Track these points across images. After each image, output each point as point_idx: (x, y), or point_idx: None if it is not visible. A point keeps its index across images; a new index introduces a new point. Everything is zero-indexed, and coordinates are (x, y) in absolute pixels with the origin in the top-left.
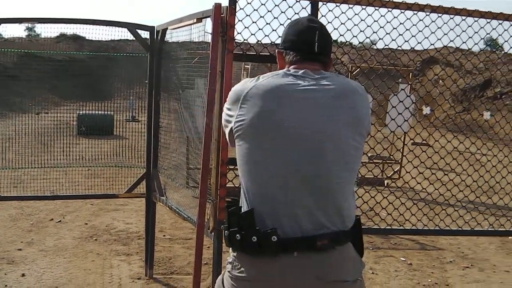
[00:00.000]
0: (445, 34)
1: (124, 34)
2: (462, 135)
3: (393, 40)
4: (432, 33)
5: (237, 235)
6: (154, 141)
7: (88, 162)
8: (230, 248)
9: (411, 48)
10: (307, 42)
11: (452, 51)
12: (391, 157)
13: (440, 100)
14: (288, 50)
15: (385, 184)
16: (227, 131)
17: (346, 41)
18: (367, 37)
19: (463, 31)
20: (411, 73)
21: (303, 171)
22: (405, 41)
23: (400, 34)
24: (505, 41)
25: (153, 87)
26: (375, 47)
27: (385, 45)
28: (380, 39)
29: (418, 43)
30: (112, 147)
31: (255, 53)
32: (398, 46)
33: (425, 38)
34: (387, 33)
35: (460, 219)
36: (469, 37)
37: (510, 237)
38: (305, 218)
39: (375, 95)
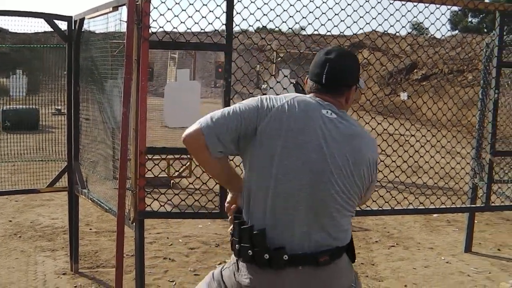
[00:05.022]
0: (361, 17)
1: (47, 26)
2: (380, 116)
3: (309, 24)
4: (348, 16)
5: (249, 251)
6: (75, 133)
7: (13, 157)
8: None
9: (328, 31)
10: (317, 73)
11: (367, 34)
12: None
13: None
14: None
15: None
16: None
17: (264, 26)
18: (283, 21)
19: (378, 13)
20: None
21: (310, 193)
22: (322, 24)
23: (316, 18)
24: (421, 23)
25: (72, 78)
26: (279, 29)
27: (302, 28)
28: (296, 23)
29: (335, 26)
30: (38, 141)
31: (171, 40)
32: (315, 30)
33: (342, 21)
34: (303, 17)
35: (380, 199)
36: (385, 19)
37: (434, 215)
38: (309, 237)
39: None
